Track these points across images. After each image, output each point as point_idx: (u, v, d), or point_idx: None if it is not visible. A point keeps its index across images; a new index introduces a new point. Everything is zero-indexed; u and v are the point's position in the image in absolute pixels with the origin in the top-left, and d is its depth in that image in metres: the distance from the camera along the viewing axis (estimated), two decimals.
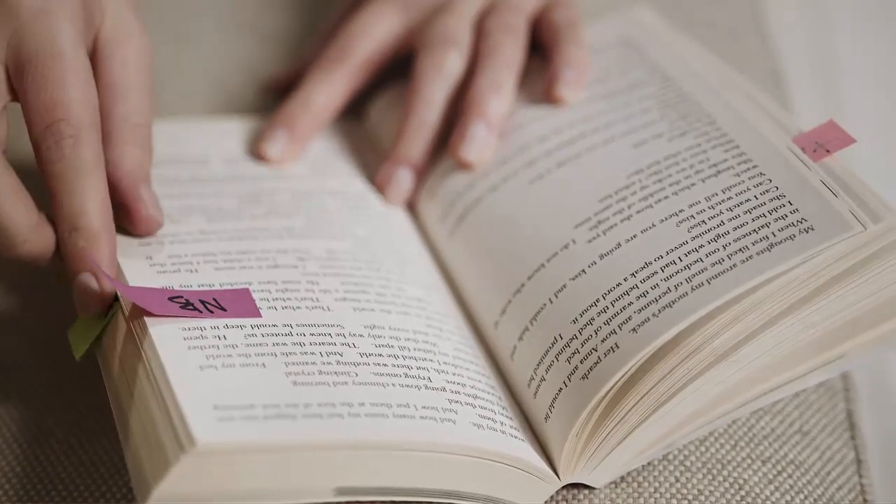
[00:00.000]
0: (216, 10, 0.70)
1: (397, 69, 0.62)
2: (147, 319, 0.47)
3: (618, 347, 0.47)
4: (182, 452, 0.43)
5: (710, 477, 0.51)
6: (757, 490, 0.50)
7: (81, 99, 0.49)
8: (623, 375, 0.47)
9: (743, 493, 0.50)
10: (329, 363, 0.48)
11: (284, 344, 0.48)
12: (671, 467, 0.51)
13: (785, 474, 0.51)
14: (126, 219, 0.52)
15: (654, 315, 0.47)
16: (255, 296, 0.50)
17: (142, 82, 0.53)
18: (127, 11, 0.53)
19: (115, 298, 0.49)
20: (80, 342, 0.49)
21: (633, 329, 0.47)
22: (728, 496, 0.50)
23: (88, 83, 0.50)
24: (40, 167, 0.49)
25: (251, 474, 0.44)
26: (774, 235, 0.48)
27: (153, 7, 0.55)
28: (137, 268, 0.51)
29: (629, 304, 0.48)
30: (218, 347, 0.47)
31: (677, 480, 0.51)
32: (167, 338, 0.47)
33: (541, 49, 0.61)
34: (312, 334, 0.49)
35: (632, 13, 0.62)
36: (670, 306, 0.47)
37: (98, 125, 0.49)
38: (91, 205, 0.48)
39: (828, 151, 0.50)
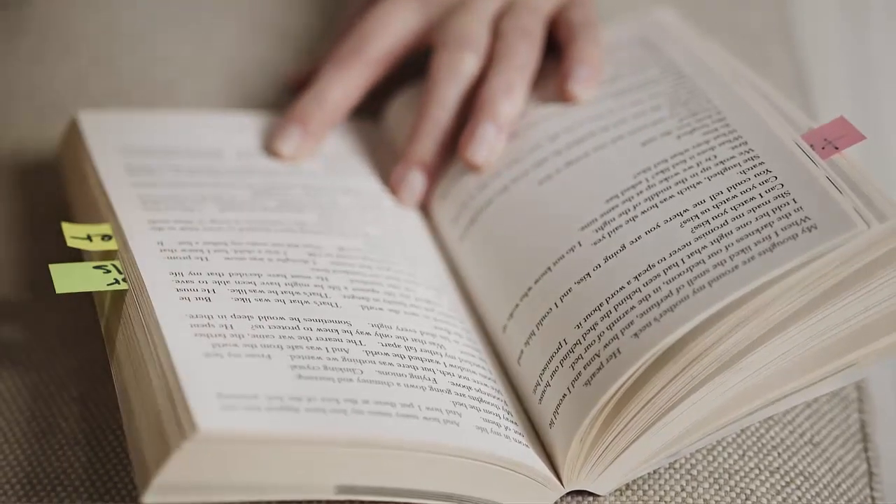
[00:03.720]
0: (236, 8, 0.70)
1: (418, 67, 0.62)
2: (155, 305, 0.47)
3: (620, 353, 0.46)
4: (184, 439, 0.43)
5: (716, 486, 0.50)
6: (764, 501, 0.49)
7: None
8: (625, 382, 0.46)
9: (749, 503, 0.49)
10: (334, 359, 0.47)
11: (291, 337, 0.48)
12: (677, 476, 0.50)
13: (793, 485, 0.50)
14: None
15: (655, 319, 0.46)
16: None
17: None
18: None
19: (125, 279, 0.49)
20: (67, 282, 0.48)
21: (635, 334, 0.46)
22: None
23: None
24: None
25: (252, 466, 0.44)
26: (777, 235, 0.46)
27: (173, 4, 0.55)
28: (148, 252, 0.51)
29: (631, 309, 0.47)
30: (224, 336, 0.47)
31: (683, 489, 0.50)
32: (174, 324, 0.47)
33: (558, 48, 0.60)
34: (319, 329, 0.49)
35: (651, 14, 0.62)
36: (671, 310, 0.46)
37: None
38: None
39: (836, 148, 0.49)
